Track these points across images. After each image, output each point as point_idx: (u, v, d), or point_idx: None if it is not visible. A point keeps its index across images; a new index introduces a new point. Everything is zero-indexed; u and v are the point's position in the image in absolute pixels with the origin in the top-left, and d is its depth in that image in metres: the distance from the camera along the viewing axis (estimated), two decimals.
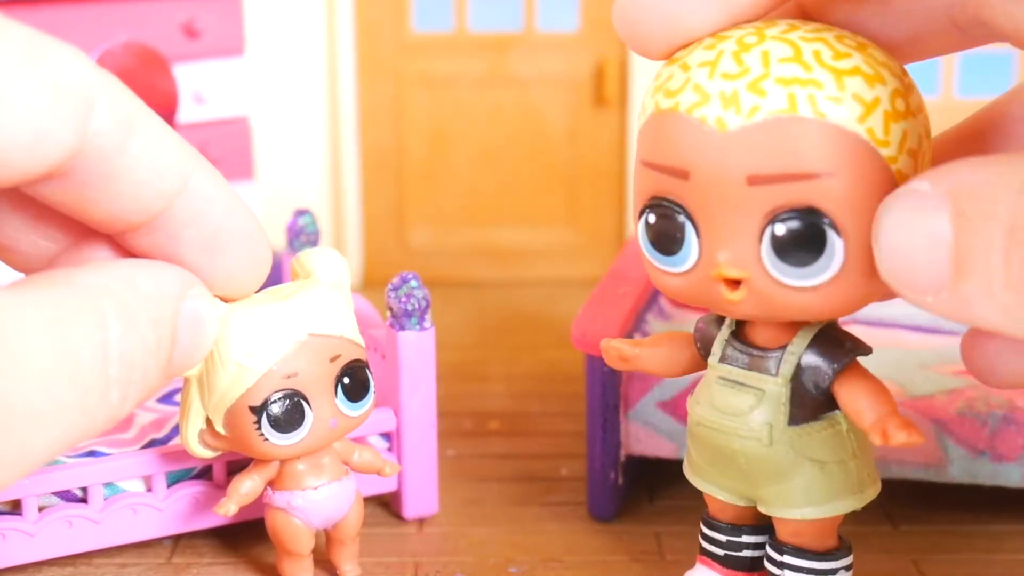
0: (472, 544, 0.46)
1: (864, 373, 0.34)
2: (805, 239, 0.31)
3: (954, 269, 0.27)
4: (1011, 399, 0.44)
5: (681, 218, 0.32)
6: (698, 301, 0.33)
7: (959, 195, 0.27)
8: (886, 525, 0.47)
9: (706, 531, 0.38)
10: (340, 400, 0.40)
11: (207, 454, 0.40)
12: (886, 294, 0.32)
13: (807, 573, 0.36)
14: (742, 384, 0.35)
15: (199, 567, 0.44)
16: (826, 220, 0.30)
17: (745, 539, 0.38)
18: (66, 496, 0.43)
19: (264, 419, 0.38)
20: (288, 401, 0.38)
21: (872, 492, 0.36)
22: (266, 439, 0.39)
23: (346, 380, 0.40)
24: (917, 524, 0.47)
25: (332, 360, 0.39)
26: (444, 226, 0.79)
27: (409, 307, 0.45)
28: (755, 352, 0.35)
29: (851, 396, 0.34)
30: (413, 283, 0.45)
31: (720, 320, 0.36)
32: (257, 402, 0.38)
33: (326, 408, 0.39)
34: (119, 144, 0.31)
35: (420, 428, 0.47)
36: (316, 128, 0.78)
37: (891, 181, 0.30)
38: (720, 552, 0.38)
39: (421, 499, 0.47)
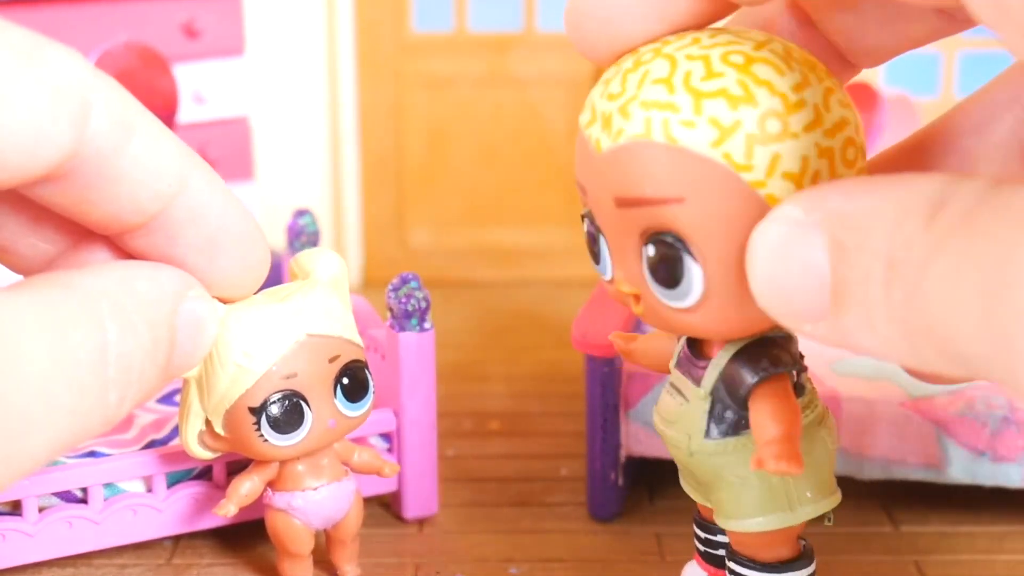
0: (472, 544, 0.46)
1: (776, 393, 0.33)
2: (665, 262, 0.30)
3: (833, 300, 0.26)
4: (1011, 400, 0.44)
5: (596, 231, 0.32)
6: (626, 307, 0.33)
7: (834, 224, 0.26)
8: (886, 525, 0.47)
9: (694, 527, 0.39)
10: (339, 401, 0.40)
11: (206, 455, 0.40)
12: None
13: None
14: (678, 391, 0.35)
15: (199, 568, 0.44)
16: (682, 245, 0.30)
17: (719, 538, 0.38)
18: (66, 497, 0.43)
19: (263, 420, 0.38)
20: (287, 402, 0.38)
21: (813, 509, 0.35)
22: (265, 440, 0.39)
23: (345, 380, 0.39)
24: (917, 524, 0.47)
25: (331, 360, 0.39)
26: (444, 226, 0.79)
27: (409, 308, 0.45)
28: (694, 360, 0.35)
29: (755, 415, 0.33)
30: (413, 284, 0.45)
31: None
32: (256, 403, 0.38)
33: (325, 409, 0.39)
34: (117, 145, 0.30)
35: (420, 429, 0.47)
36: (316, 128, 0.78)
37: (758, 207, 0.29)
38: (701, 548, 0.39)
39: (421, 499, 0.47)
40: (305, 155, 0.78)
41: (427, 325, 0.46)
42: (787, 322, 0.27)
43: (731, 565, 0.36)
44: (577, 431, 0.54)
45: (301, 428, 0.39)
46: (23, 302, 0.28)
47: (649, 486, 0.50)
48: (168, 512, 0.44)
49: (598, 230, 0.32)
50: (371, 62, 0.77)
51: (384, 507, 0.48)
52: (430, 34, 0.77)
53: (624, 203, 0.30)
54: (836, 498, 0.36)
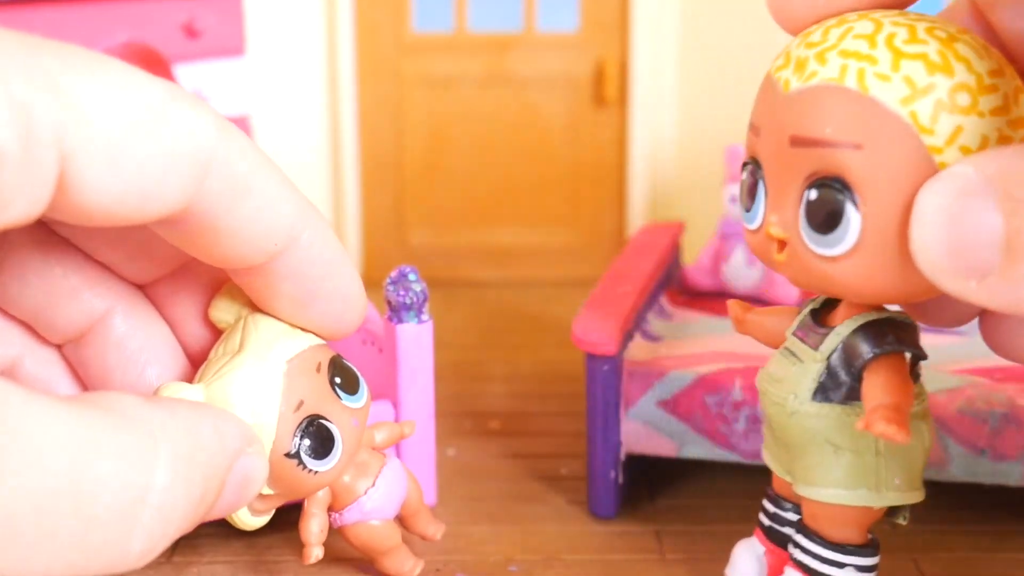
0: (473, 543, 0.46)
1: (895, 368, 0.34)
2: (826, 207, 0.31)
3: (1005, 253, 0.27)
4: (1012, 397, 0.44)
5: (758, 176, 0.33)
6: (763, 260, 0.34)
7: (1007, 179, 0.27)
8: (885, 523, 0.47)
9: (764, 501, 0.39)
10: (345, 399, 0.39)
11: (260, 521, 0.39)
12: (925, 288, 0.31)
13: (812, 557, 0.36)
14: (793, 354, 0.36)
15: (199, 565, 0.44)
16: (846, 191, 0.31)
17: (788, 515, 0.38)
18: None
19: (303, 456, 0.37)
20: (312, 428, 0.38)
21: (896, 497, 0.35)
22: (316, 472, 0.38)
23: (338, 380, 0.39)
24: (917, 523, 0.47)
25: (317, 370, 0.38)
26: (444, 226, 0.79)
27: (407, 300, 0.45)
28: (816, 328, 0.35)
29: (869, 384, 0.34)
30: (411, 277, 0.46)
31: (813, 301, 0.37)
32: (289, 447, 0.37)
33: (342, 415, 0.38)
34: (230, 207, 0.32)
35: (419, 420, 0.47)
36: (316, 128, 0.78)
37: (930, 171, 0.30)
38: (766, 523, 0.39)
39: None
40: (305, 155, 0.78)
41: (424, 317, 0.46)
42: (952, 280, 0.28)
43: (798, 538, 0.36)
44: (577, 430, 0.54)
45: (336, 445, 0.38)
46: (70, 416, 0.26)
47: (649, 485, 0.50)
48: None
49: (760, 175, 0.33)
50: (371, 62, 0.77)
51: None
52: (430, 34, 0.77)
53: (799, 142, 0.32)
54: (920, 495, 0.36)
